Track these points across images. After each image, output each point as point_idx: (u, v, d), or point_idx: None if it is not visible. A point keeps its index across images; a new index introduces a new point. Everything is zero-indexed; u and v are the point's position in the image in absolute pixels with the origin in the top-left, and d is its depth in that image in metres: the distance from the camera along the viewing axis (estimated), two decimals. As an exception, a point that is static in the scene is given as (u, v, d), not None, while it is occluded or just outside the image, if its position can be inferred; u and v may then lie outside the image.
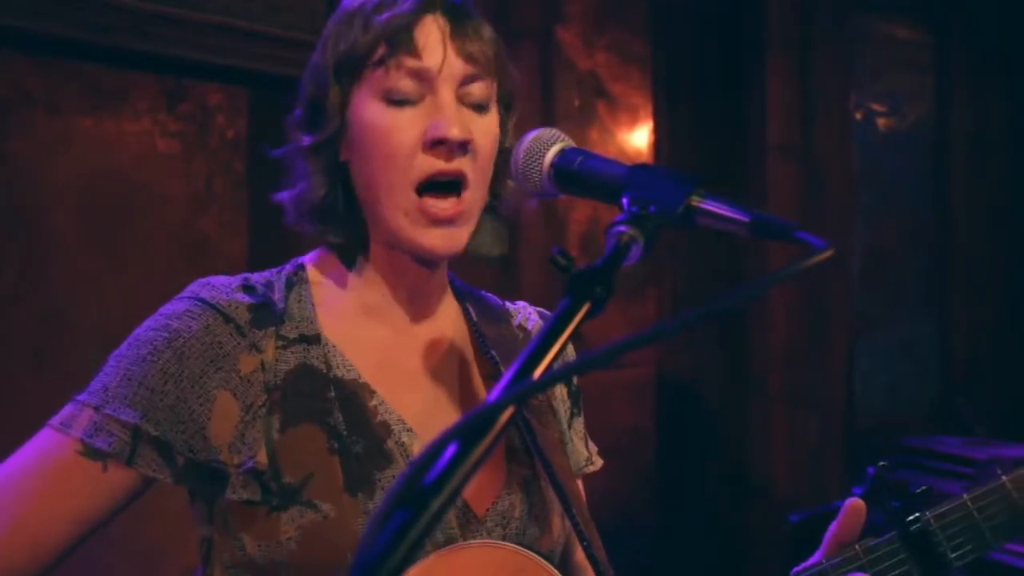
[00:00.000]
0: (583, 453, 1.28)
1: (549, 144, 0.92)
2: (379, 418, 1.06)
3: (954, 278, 3.58)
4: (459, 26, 1.04)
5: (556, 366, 0.65)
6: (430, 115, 1.02)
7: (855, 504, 1.07)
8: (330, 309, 1.10)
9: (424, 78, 1.02)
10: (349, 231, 1.09)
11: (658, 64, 3.12)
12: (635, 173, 0.84)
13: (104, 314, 2.21)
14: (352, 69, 1.03)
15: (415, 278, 1.11)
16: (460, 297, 1.22)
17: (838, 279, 3.30)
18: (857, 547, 1.04)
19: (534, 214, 2.83)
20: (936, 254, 3.58)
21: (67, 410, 1.01)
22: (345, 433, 1.02)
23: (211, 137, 2.39)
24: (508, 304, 1.29)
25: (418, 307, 1.13)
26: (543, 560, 1.02)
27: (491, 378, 1.16)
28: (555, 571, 1.03)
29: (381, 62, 1.01)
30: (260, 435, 1.00)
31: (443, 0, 1.05)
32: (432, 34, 1.02)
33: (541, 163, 0.92)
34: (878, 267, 3.48)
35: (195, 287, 1.07)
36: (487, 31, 1.08)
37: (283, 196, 1.12)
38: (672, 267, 3.13)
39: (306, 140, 1.07)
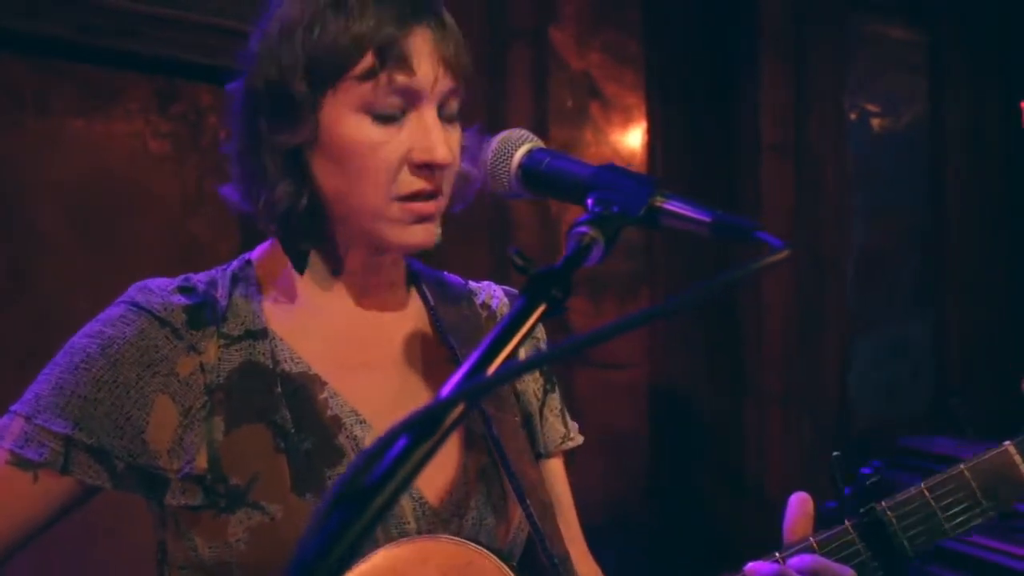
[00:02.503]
0: (560, 430, 1.26)
1: (517, 145, 0.93)
2: (330, 412, 1.04)
3: (949, 279, 3.58)
4: (444, 37, 1.01)
5: (510, 363, 0.65)
6: (414, 133, 1.00)
7: (800, 497, 1.08)
8: (278, 302, 1.08)
9: (412, 95, 0.99)
10: (310, 231, 1.07)
11: (652, 65, 3.13)
12: (600, 174, 0.85)
13: (96, 315, 2.21)
14: (330, 75, 0.98)
15: (371, 268, 1.10)
16: (418, 281, 1.20)
17: (832, 280, 3.30)
18: (812, 539, 1.05)
19: (527, 215, 2.84)
20: (931, 255, 3.58)
21: (2, 420, 1.01)
22: (292, 430, 1.00)
23: (203, 138, 2.40)
24: (471, 284, 1.27)
25: (372, 295, 1.12)
26: (493, 555, 1.01)
27: (450, 363, 1.14)
28: (503, 564, 1.02)
29: (368, 76, 0.97)
30: (200, 439, 0.99)
31: (430, 8, 1.01)
32: (423, 48, 0.99)
33: (509, 164, 0.92)
34: (872, 268, 3.48)
35: (132, 291, 1.05)
36: (461, 37, 1.05)
37: (232, 190, 1.08)
38: (666, 266, 3.13)
39: (272, 137, 1.01)
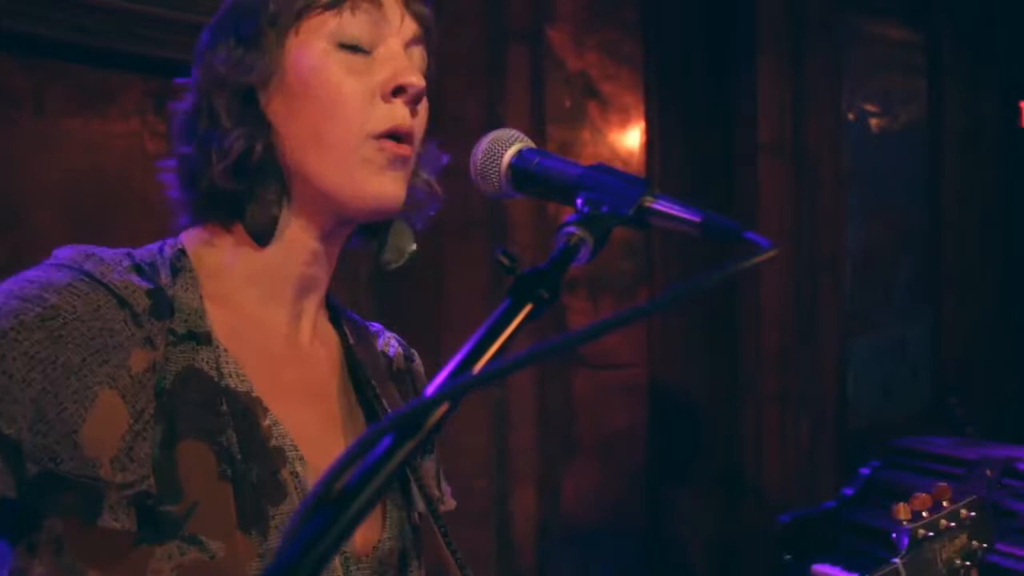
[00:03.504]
0: (435, 494, 1.16)
1: (507, 145, 0.92)
2: (273, 442, 0.91)
3: (946, 278, 3.58)
4: None
5: (496, 362, 0.65)
6: (384, 62, 0.95)
7: None
8: (218, 305, 0.94)
9: (379, 27, 0.95)
10: (266, 199, 0.96)
11: (649, 64, 3.13)
12: (589, 174, 0.85)
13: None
14: (294, 9, 0.94)
15: (314, 264, 1.00)
16: (335, 313, 1.11)
17: (829, 279, 3.30)
18: None
19: (525, 214, 2.84)
20: (928, 254, 3.58)
21: None
22: (239, 457, 0.87)
23: (200, 138, 2.40)
24: (370, 326, 1.18)
25: (302, 313, 1.01)
26: None
27: (366, 403, 1.06)
28: None
29: (332, 4, 0.93)
30: (151, 451, 0.83)
31: None
32: None
33: (499, 164, 0.92)
34: (870, 267, 3.48)
35: (76, 256, 0.88)
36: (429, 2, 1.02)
37: (176, 160, 0.99)
38: (664, 266, 3.14)
39: (228, 79, 0.94)
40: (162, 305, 0.88)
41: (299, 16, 0.94)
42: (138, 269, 0.90)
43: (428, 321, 2.60)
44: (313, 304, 1.03)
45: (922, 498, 1.25)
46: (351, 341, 1.08)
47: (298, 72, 0.94)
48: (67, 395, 0.81)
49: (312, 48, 0.94)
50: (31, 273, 0.87)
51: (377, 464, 0.55)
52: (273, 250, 0.98)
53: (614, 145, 3.09)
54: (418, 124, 0.99)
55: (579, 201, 0.81)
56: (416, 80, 0.95)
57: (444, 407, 0.59)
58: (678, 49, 3.19)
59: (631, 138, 3.13)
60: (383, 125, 0.95)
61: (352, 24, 0.94)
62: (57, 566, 0.83)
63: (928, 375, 3.56)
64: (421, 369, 1.21)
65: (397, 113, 0.95)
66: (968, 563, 1.23)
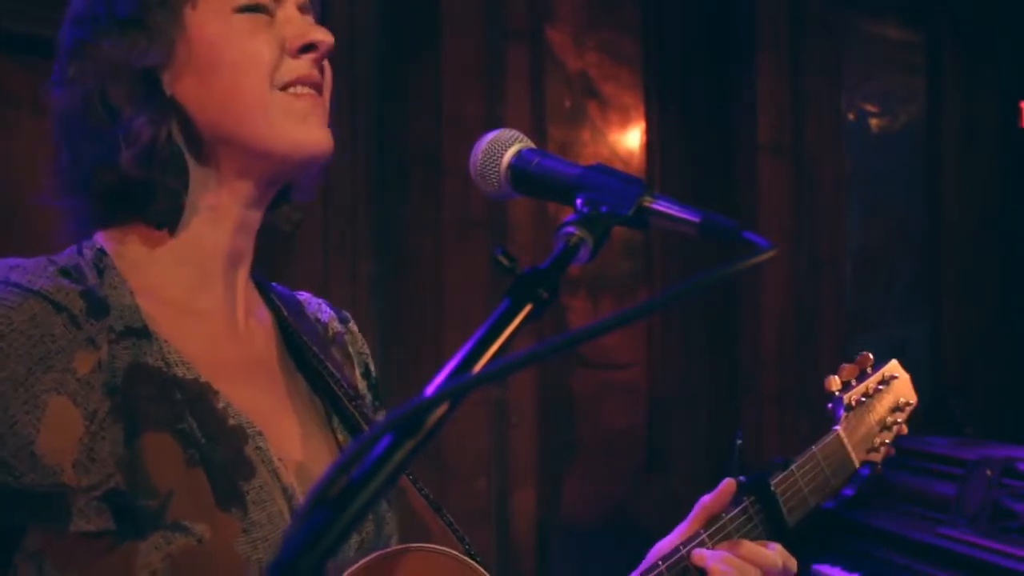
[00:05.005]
0: None
1: (507, 145, 0.92)
2: (231, 421, 0.92)
3: (945, 279, 3.58)
4: None
5: (497, 362, 0.65)
6: (286, 23, 0.96)
7: (730, 484, 1.21)
8: (149, 298, 0.93)
9: None
10: (172, 186, 0.94)
11: (649, 64, 3.13)
12: (588, 174, 0.85)
13: None
14: None
15: (240, 233, 1.00)
16: (262, 288, 1.11)
17: (829, 280, 3.30)
18: (724, 516, 1.20)
19: (525, 214, 2.84)
20: (927, 255, 3.58)
21: None
22: (203, 441, 0.88)
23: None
24: (297, 295, 1.18)
25: (234, 289, 1.02)
26: (481, 568, 0.98)
27: (309, 370, 1.07)
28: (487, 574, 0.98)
29: None
30: (112, 449, 0.83)
31: None
32: None
33: (499, 165, 0.92)
34: (869, 267, 3.48)
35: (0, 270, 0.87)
36: None
37: (63, 165, 0.95)
38: (665, 267, 3.14)
39: (121, 65, 0.91)
40: (96, 304, 0.88)
41: None
42: (65, 273, 0.89)
43: (428, 321, 2.60)
44: (242, 280, 1.03)
45: (848, 368, 1.40)
46: (284, 312, 1.08)
47: (203, 42, 0.94)
48: (17, 408, 0.81)
49: (213, 17, 0.94)
50: None
51: (376, 464, 0.56)
52: (197, 226, 0.97)
53: (614, 145, 3.09)
54: (326, 82, 1.00)
55: (578, 201, 0.81)
56: (324, 36, 0.96)
57: (444, 407, 0.59)
58: (678, 49, 3.20)
59: (631, 138, 3.13)
60: (292, 75, 0.95)
61: None
62: None
63: (927, 375, 3.56)
64: (355, 328, 1.21)
65: (304, 66, 0.96)
66: (899, 418, 1.39)
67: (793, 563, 1.17)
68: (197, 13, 0.94)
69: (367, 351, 1.21)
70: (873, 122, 3.50)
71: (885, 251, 3.52)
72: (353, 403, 1.05)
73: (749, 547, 1.15)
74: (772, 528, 1.21)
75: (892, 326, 3.54)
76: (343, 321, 1.20)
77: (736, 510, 1.20)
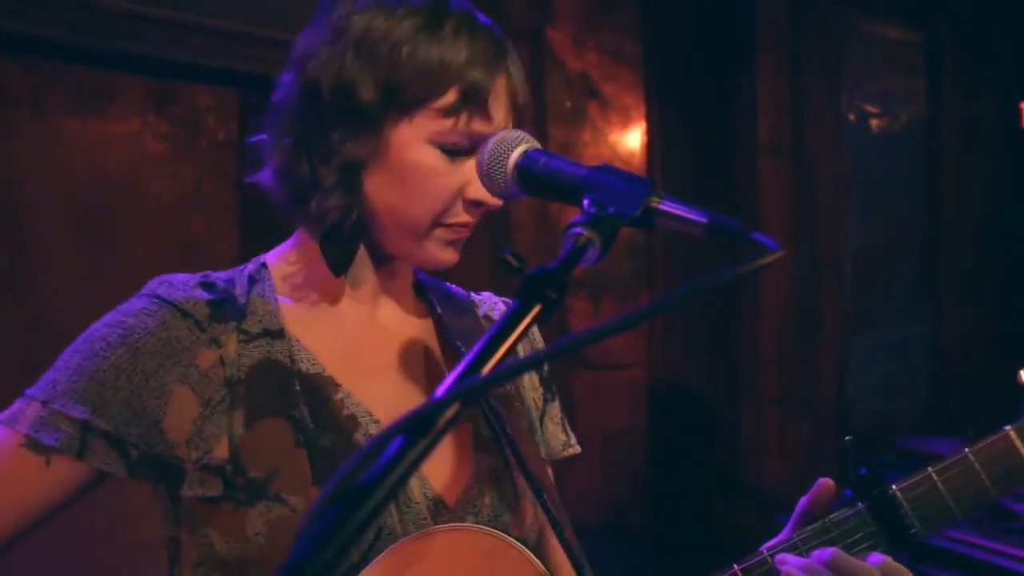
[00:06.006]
0: (560, 437, 1.30)
1: (513, 146, 0.93)
2: (346, 411, 1.06)
3: (946, 279, 3.59)
4: (519, 83, 1.07)
5: (505, 363, 0.65)
6: (469, 176, 1.03)
7: (826, 483, 1.08)
8: (293, 304, 1.11)
9: (481, 139, 1.01)
10: (351, 239, 1.09)
11: (649, 64, 3.13)
12: (595, 175, 0.85)
13: (92, 316, 2.20)
14: (412, 100, 1.00)
15: (390, 273, 1.15)
16: (424, 290, 1.23)
17: (829, 280, 3.31)
18: (827, 520, 1.06)
19: (525, 214, 2.84)
20: (927, 255, 3.59)
21: (16, 404, 1.02)
22: (312, 427, 1.02)
23: (201, 139, 2.40)
24: (473, 295, 1.30)
25: (383, 301, 1.16)
26: (513, 540, 1.03)
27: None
28: (525, 550, 1.04)
29: (448, 112, 1.00)
30: (220, 430, 1.01)
31: (510, 51, 1.06)
32: (501, 96, 1.04)
33: (505, 165, 0.92)
34: (870, 268, 3.49)
35: (153, 284, 1.07)
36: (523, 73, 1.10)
37: (270, 179, 1.08)
38: (666, 267, 3.14)
39: (334, 146, 1.02)
40: (225, 311, 1.05)
41: (418, 105, 1.00)
42: (205, 285, 1.08)
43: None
44: (396, 287, 1.17)
45: None
46: (439, 312, 1.20)
47: (400, 158, 1.02)
48: (148, 394, 1.00)
49: (417, 140, 1.02)
50: (120, 305, 1.06)
51: (388, 466, 0.55)
52: (346, 276, 1.11)
53: (615, 145, 3.09)
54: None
55: (585, 202, 0.81)
56: (494, 203, 1.05)
57: (455, 408, 0.59)
58: (678, 50, 3.20)
59: (632, 138, 3.13)
60: (454, 219, 1.06)
61: (458, 134, 1.01)
62: (193, 534, 1.02)
63: (928, 375, 3.57)
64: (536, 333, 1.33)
65: (469, 215, 1.07)
66: None
67: None
68: (409, 129, 1.02)
69: (538, 339, 1.33)
70: (874, 122, 3.50)
71: (885, 251, 3.53)
72: (503, 401, 1.15)
73: (840, 557, 1.00)
74: (895, 539, 1.05)
75: (892, 326, 3.54)
76: None
77: (844, 514, 1.06)
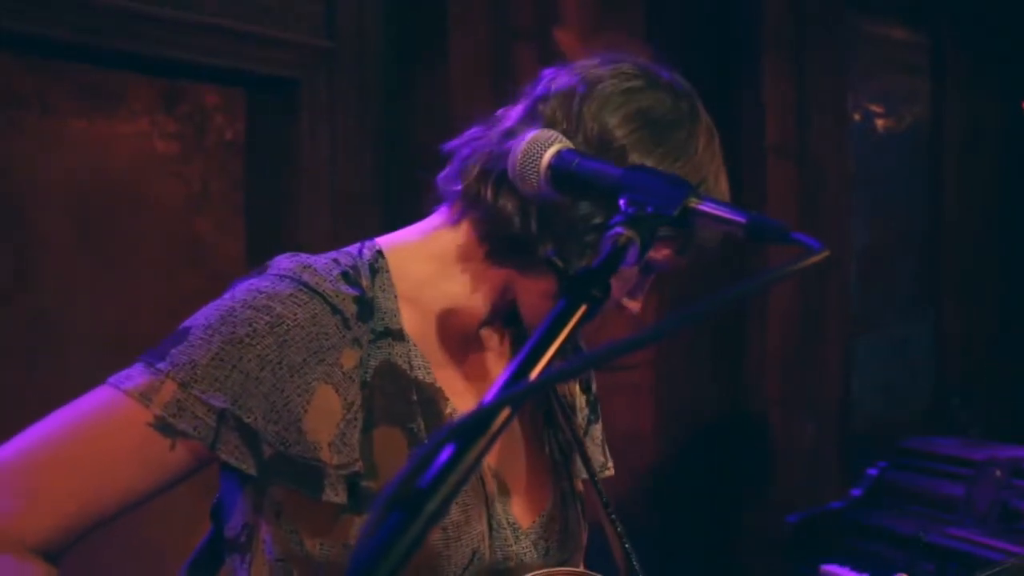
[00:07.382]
0: (599, 459, 1.29)
1: (546, 145, 0.91)
2: None
3: (948, 279, 3.59)
4: None
5: (554, 367, 0.64)
6: (639, 283, 1.07)
7: None
8: (411, 304, 1.04)
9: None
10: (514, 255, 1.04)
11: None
12: (632, 174, 0.84)
13: (98, 316, 2.20)
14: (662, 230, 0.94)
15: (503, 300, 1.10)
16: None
17: (834, 281, 3.30)
18: None
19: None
20: (930, 255, 3.59)
21: (143, 377, 0.92)
22: (426, 440, 0.98)
23: (208, 138, 2.39)
24: None
25: (496, 308, 1.09)
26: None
27: (547, 398, 1.16)
28: None
29: (676, 247, 1.04)
30: (360, 437, 0.96)
31: None
32: None
33: (538, 165, 0.91)
34: (874, 268, 3.49)
35: (294, 268, 0.98)
36: None
37: (458, 174, 1.07)
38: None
39: (566, 206, 0.97)
40: (366, 309, 0.99)
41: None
42: (346, 276, 0.99)
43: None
44: (509, 300, 1.10)
45: None
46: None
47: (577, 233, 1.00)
48: (291, 390, 0.94)
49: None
50: (258, 282, 0.97)
51: (442, 472, 0.55)
52: (458, 265, 1.06)
53: (619, 146, 3.09)
54: None
55: (622, 202, 0.81)
56: (639, 311, 1.08)
57: (505, 412, 0.58)
58: (683, 51, 3.19)
59: (636, 139, 3.12)
60: None
61: (663, 259, 1.05)
62: (278, 527, 0.97)
63: (931, 375, 3.57)
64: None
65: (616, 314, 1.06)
66: None
67: None
68: None
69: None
70: (879, 123, 3.51)
71: (888, 251, 3.53)
72: (568, 419, 1.15)
73: None
74: None
75: (894, 326, 3.54)
76: None
77: None
